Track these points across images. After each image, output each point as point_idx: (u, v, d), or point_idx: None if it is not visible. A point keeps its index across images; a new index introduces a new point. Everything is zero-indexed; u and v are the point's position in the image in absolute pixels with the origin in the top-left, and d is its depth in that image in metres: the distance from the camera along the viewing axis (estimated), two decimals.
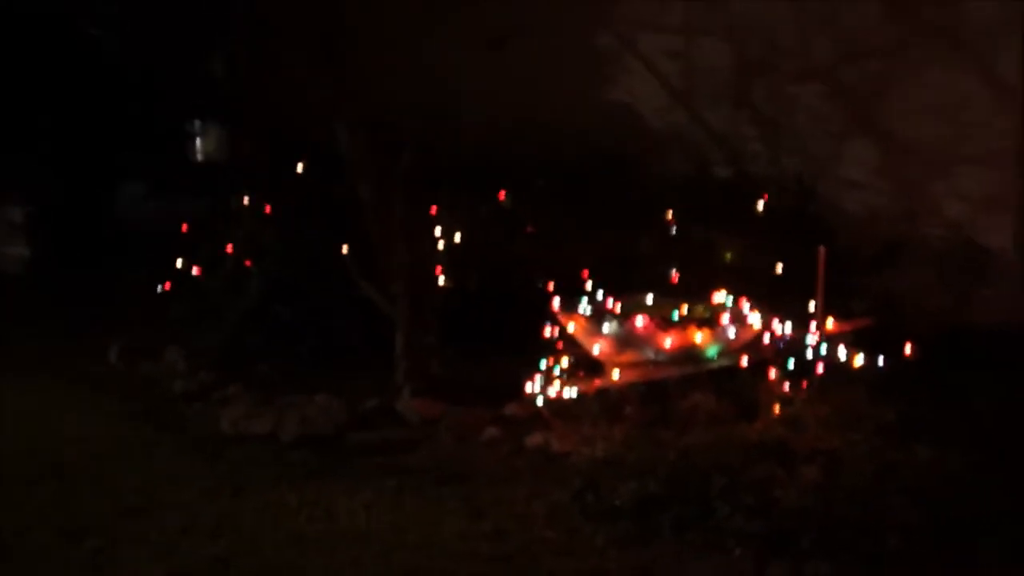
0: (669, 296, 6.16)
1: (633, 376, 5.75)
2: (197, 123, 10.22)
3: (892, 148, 7.46)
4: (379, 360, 6.81)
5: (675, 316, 5.87)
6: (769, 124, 7.76)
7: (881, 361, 5.79)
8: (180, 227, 8.28)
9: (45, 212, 9.67)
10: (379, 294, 6.76)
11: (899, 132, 7.41)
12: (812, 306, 5.93)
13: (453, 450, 5.78)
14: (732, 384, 5.71)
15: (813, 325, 5.82)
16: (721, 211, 7.05)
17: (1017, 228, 7.19)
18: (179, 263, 7.90)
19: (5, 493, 5.40)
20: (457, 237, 6.84)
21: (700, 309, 6.00)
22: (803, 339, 5.79)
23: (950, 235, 7.22)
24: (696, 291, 6.17)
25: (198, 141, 10.91)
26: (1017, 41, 7.01)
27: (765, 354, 5.82)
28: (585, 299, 6.14)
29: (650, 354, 5.80)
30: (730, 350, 5.83)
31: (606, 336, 5.86)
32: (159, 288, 8.00)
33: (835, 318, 5.93)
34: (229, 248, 7.66)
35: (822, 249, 5.90)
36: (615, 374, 5.74)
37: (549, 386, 5.78)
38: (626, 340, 5.81)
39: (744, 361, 5.75)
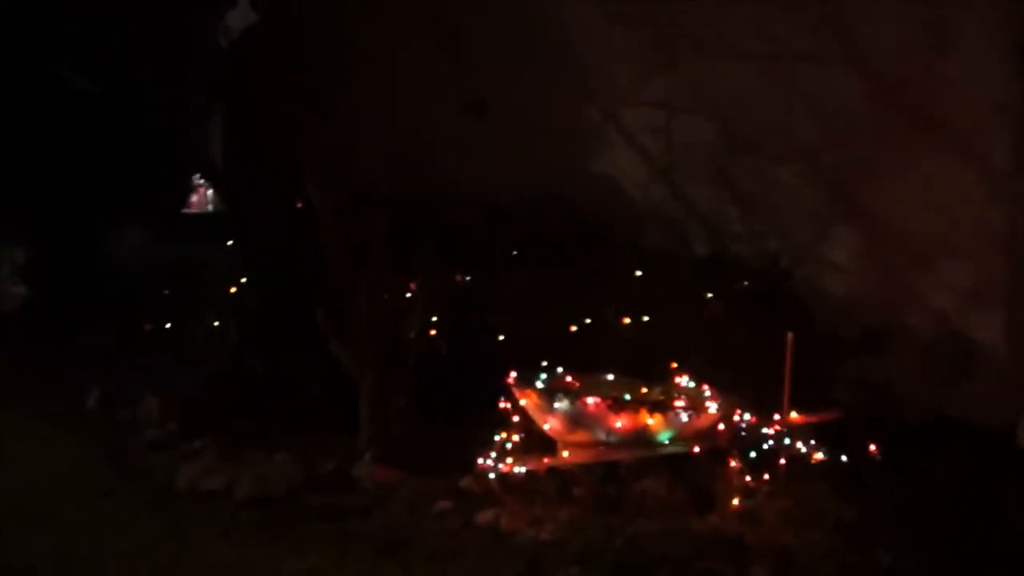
0: (631, 376, 6.05)
1: (584, 457, 5.63)
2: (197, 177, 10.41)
3: (877, 234, 7.26)
4: (349, 419, 6.74)
5: (627, 397, 5.75)
6: (750, 203, 7.62)
7: (847, 456, 5.62)
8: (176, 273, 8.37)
9: (43, 254, 9.85)
10: (348, 356, 6.68)
11: (885, 218, 7.21)
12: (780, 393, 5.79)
13: (404, 520, 5.65)
14: (690, 472, 5.57)
15: (776, 415, 5.68)
16: (693, 290, 6.92)
17: (1007, 324, 6.98)
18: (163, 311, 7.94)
19: None
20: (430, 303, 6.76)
21: (656, 392, 5.88)
22: (764, 429, 5.65)
23: (936, 326, 7.02)
24: (659, 372, 6.05)
25: (209, 193, 11.17)
26: (1008, 132, 6.86)
27: (720, 442, 5.68)
28: (541, 374, 6.03)
29: (601, 435, 5.68)
30: (683, 436, 5.70)
31: (557, 414, 5.74)
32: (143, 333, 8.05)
33: (801, 408, 5.80)
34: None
35: (790, 335, 5.78)
36: (565, 453, 5.62)
37: (501, 461, 5.65)
38: (577, 419, 5.70)
39: (696, 448, 5.60)
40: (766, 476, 5.55)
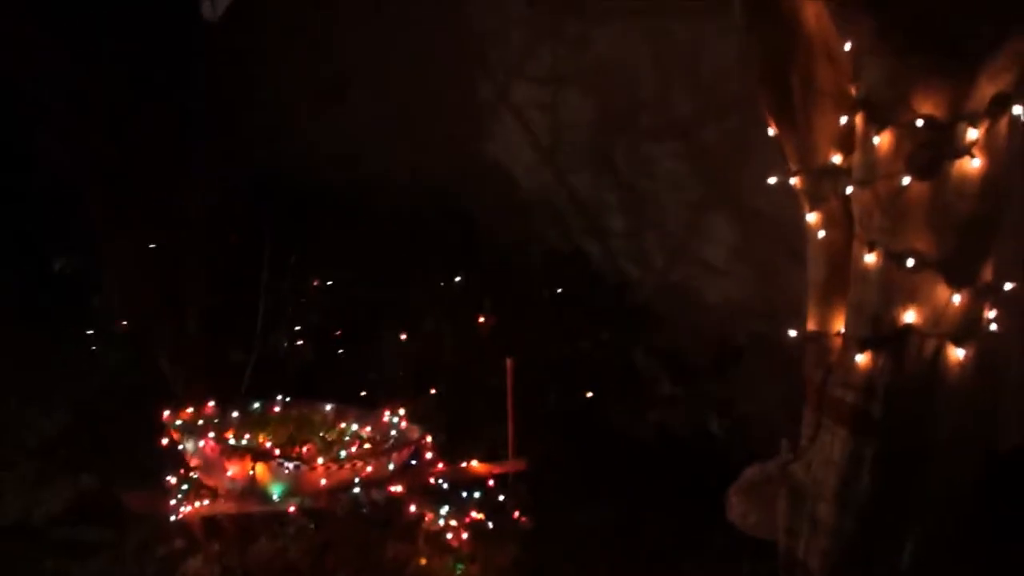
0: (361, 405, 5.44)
1: (225, 507, 5.05)
2: None
3: (752, 224, 6.09)
4: None
5: (241, 442, 5.10)
6: (628, 189, 6.61)
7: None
8: None
9: None
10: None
11: (758, 205, 6.03)
12: None
13: (124, 563, 5.39)
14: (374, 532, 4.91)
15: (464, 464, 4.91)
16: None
17: None
18: None
19: None
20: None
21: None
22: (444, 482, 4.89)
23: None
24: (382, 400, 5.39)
25: None
26: None
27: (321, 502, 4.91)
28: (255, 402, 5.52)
29: (227, 483, 5.07)
30: (302, 491, 4.96)
31: (189, 455, 5.19)
32: None
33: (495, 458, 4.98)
34: None
35: (510, 362, 4.98)
36: (199, 501, 5.07)
37: (184, 503, 5.16)
38: (204, 463, 5.11)
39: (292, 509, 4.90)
40: (464, 537, 4.81)
